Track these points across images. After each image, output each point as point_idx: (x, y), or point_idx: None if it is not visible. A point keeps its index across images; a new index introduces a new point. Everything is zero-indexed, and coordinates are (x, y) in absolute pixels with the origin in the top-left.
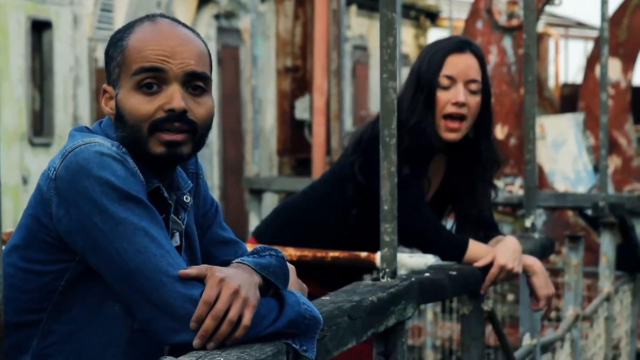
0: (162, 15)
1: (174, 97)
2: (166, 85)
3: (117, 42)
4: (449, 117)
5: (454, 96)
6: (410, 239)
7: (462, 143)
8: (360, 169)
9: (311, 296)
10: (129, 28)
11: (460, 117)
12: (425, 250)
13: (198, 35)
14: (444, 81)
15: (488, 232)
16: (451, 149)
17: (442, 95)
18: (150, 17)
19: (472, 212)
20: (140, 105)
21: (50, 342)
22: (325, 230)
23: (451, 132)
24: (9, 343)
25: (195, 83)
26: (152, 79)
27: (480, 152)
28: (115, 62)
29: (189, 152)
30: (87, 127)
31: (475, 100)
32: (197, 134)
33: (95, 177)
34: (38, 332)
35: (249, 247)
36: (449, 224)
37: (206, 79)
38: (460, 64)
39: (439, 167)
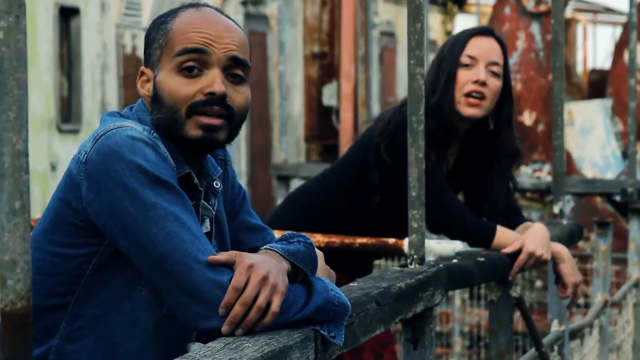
0: (206, 5)
1: (215, 80)
2: (207, 69)
3: (160, 25)
4: (469, 95)
5: (475, 75)
6: (437, 226)
7: (482, 134)
8: (387, 150)
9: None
10: (173, 12)
11: (481, 97)
12: (453, 237)
13: (240, 27)
14: (465, 60)
15: (515, 218)
16: (468, 136)
17: (462, 74)
18: (194, 5)
19: (485, 205)
20: (180, 86)
21: (78, 325)
22: (340, 218)
23: (471, 107)
24: (37, 326)
25: (235, 70)
26: (194, 62)
27: (502, 142)
28: (158, 43)
29: (224, 139)
30: (118, 112)
31: (495, 83)
32: (234, 121)
33: (126, 161)
34: (66, 315)
35: None
36: None
37: (247, 68)
38: (483, 46)
39: (450, 157)
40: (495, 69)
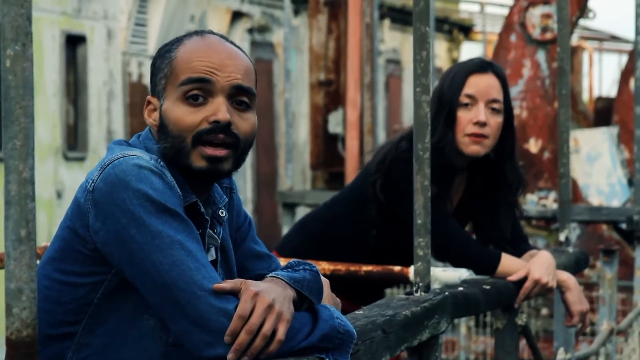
0: (211, 32)
1: (220, 109)
2: (212, 98)
3: (165, 54)
4: (471, 136)
5: (475, 116)
6: (442, 254)
7: (485, 165)
8: (382, 189)
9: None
10: (177, 41)
11: (482, 137)
12: (457, 264)
13: (245, 53)
14: (465, 100)
15: (519, 246)
16: (473, 169)
17: (463, 115)
18: (199, 33)
19: (491, 234)
20: (185, 115)
21: (85, 354)
22: (346, 245)
23: (474, 145)
24: (45, 355)
25: (240, 97)
26: (199, 90)
27: (505, 175)
28: (163, 72)
29: (229, 169)
30: (125, 141)
31: (496, 120)
32: (239, 149)
33: (133, 189)
34: (73, 344)
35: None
36: None
37: (251, 95)
38: (481, 84)
39: (458, 189)
40: (496, 105)
